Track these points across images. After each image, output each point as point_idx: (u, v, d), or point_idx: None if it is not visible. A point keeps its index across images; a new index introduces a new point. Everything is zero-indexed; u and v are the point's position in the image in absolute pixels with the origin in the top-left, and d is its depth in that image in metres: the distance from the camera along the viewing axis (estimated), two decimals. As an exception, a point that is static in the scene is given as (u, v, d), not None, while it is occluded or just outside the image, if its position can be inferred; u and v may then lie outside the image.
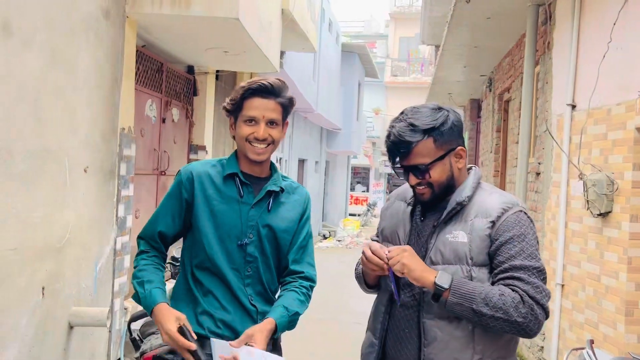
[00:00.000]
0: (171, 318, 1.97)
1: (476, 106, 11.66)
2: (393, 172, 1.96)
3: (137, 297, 2.12)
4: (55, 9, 3.20)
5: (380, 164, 29.86)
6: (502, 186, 7.74)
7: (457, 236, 1.84)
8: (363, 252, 1.89)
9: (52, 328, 3.31)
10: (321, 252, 14.55)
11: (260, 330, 1.97)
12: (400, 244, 1.94)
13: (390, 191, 2.71)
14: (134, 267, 2.16)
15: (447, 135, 1.85)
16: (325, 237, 17.67)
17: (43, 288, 3.17)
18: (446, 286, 1.76)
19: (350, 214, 24.03)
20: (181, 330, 1.95)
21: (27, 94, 2.96)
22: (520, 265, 1.78)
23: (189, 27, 4.80)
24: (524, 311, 1.74)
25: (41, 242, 3.15)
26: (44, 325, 3.20)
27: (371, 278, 2.04)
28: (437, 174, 1.86)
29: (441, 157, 1.85)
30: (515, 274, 1.77)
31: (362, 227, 20.35)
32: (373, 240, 2.17)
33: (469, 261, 1.82)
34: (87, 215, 3.74)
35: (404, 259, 1.80)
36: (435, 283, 1.77)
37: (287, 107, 2.16)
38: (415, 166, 1.85)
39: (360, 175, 31.04)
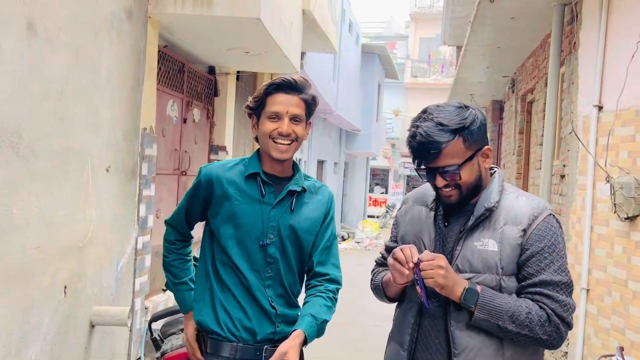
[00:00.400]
0: (193, 328, 2.19)
1: (498, 107, 11.53)
2: (416, 174, 1.86)
3: (169, 288, 2.35)
4: (79, 9, 3.22)
5: (399, 165, 29.74)
6: (525, 188, 7.63)
7: (486, 244, 1.77)
8: (392, 253, 1.80)
9: (74, 327, 3.32)
10: (340, 253, 14.48)
11: (292, 346, 1.95)
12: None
13: (409, 192, 2.58)
14: (165, 256, 2.31)
15: (476, 134, 1.78)
16: (343, 239, 17.63)
17: (65, 287, 3.19)
18: (472, 305, 1.73)
19: (369, 216, 23.97)
20: (198, 339, 2.17)
21: (51, 93, 2.98)
22: (550, 280, 1.74)
23: (210, 27, 4.80)
24: (549, 330, 1.73)
25: (64, 241, 3.16)
26: (65, 324, 3.21)
27: (393, 291, 1.95)
28: (467, 175, 1.78)
29: (470, 158, 1.78)
30: (545, 291, 1.74)
31: (381, 229, 20.28)
32: (386, 245, 2.11)
33: (499, 270, 1.76)
34: (109, 214, 3.76)
35: (440, 278, 1.71)
36: (461, 301, 1.73)
37: (310, 104, 2.13)
38: (444, 168, 1.76)
39: (379, 177, 30.96)
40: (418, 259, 1.74)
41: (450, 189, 1.80)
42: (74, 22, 3.17)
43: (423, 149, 1.76)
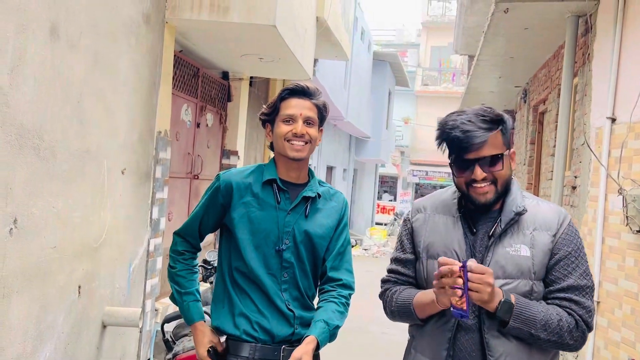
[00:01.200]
0: (204, 342, 2.15)
1: (510, 117, 11.52)
2: (450, 168, 1.85)
3: (174, 300, 2.27)
4: (99, 14, 3.27)
5: (408, 173, 29.69)
6: (535, 199, 7.60)
7: (518, 250, 1.79)
8: (441, 278, 1.70)
9: (87, 326, 3.36)
10: (348, 260, 14.46)
11: (306, 352, 2.00)
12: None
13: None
14: (171, 267, 2.28)
15: (508, 133, 1.83)
16: (351, 246, 17.59)
17: (79, 287, 3.23)
18: (507, 317, 1.73)
19: (377, 223, 23.95)
20: (210, 354, 2.15)
21: (71, 96, 3.02)
22: (577, 285, 1.78)
23: (226, 33, 4.85)
24: (576, 335, 1.77)
25: (79, 241, 3.20)
26: (79, 324, 3.25)
27: (433, 312, 1.83)
28: (506, 168, 1.81)
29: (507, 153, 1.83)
30: (573, 297, 1.77)
31: (389, 237, 20.25)
32: (398, 258, 2.01)
33: (532, 275, 1.78)
34: (123, 216, 3.80)
35: (486, 295, 1.67)
36: (497, 314, 1.73)
37: (321, 110, 2.20)
38: (487, 157, 1.77)
39: (387, 184, 30.93)
40: (466, 265, 1.66)
41: (487, 184, 1.80)
42: (94, 26, 3.22)
43: (468, 138, 1.75)
